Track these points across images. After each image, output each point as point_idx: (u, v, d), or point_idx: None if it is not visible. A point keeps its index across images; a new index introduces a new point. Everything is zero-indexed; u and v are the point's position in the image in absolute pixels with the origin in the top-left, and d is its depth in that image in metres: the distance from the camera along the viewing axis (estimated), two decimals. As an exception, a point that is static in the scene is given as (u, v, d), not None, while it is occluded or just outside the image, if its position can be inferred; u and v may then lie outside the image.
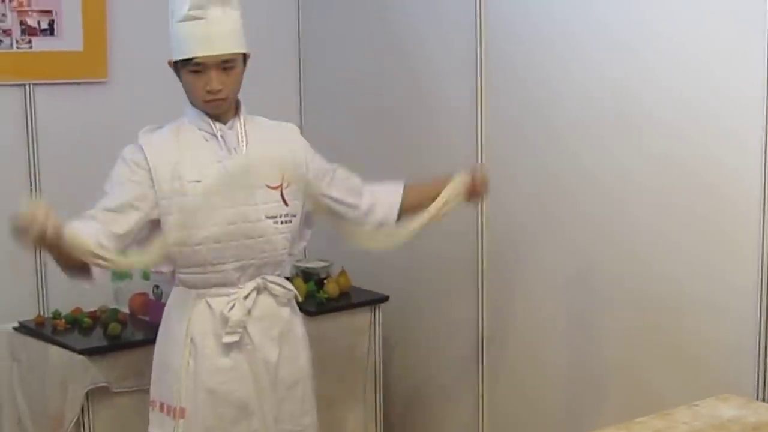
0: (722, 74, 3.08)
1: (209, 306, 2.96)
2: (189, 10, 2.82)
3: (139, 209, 2.86)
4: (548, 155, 3.64)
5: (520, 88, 3.72)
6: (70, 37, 4.03)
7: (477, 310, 3.96)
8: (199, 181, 2.88)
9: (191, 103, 2.97)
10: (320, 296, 4.12)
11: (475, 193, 3.13)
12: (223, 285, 2.96)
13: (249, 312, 2.96)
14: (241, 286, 2.97)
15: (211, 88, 2.86)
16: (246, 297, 2.96)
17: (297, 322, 3.13)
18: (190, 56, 2.84)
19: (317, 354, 4.03)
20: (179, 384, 2.97)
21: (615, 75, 3.37)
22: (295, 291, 3.12)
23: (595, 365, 3.56)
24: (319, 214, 3.16)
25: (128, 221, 2.84)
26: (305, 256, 4.60)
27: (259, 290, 3.00)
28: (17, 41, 3.92)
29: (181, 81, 2.93)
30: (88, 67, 4.11)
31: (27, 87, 3.98)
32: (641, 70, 3.29)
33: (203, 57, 2.83)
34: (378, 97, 4.36)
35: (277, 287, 3.03)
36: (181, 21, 2.84)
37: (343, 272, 4.27)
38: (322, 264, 4.37)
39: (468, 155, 3.89)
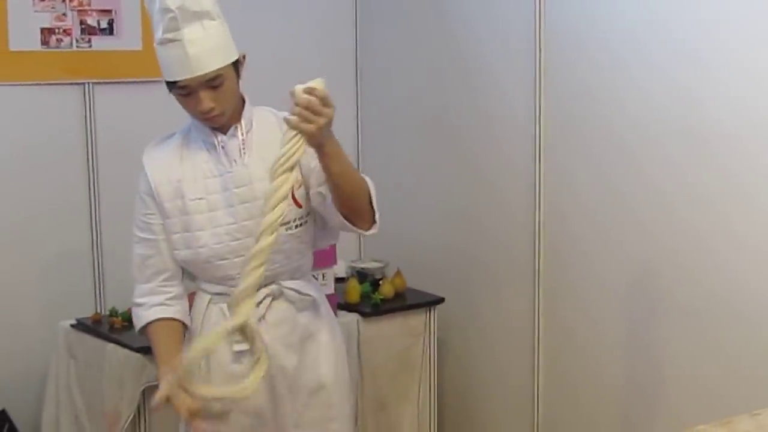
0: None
1: (223, 312, 2.85)
2: (163, 33, 2.69)
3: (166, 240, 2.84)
4: (608, 162, 3.60)
5: (580, 93, 3.68)
6: (129, 37, 4.06)
7: (533, 314, 3.93)
8: (201, 199, 2.79)
9: None
10: (375, 298, 4.11)
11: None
12: None
13: (263, 317, 2.84)
14: None
15: (202, 108, 2.72)
16: (259, 304, 2.80)
17: (323, 328, 2.95)
18: (172, 80, 2.71)
19: (371, 355, 4.05)
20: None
21: (679, 81, 3.32)
22: (314, 296, 2.93)
23: (652, 373, 3.52)
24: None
25: (171, 256, 2.85)
26: (360, 257, 4.60)
27: (274, 296, 2.86)
28: (77, 40, 3.96)
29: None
30: (147, 66, 4.10)
31: (86, 86, 4.01)
32: (706, 76, 3.24)
33: (185, 80, 2.69)
34: (435, 102, 4.33)
35: (293, 293, 2.88)
36: (158, 44, 2.72)
37: (398, 273, 4.25)
38: (377, 265, 4.35)
39: (526, 161, 3.87)
